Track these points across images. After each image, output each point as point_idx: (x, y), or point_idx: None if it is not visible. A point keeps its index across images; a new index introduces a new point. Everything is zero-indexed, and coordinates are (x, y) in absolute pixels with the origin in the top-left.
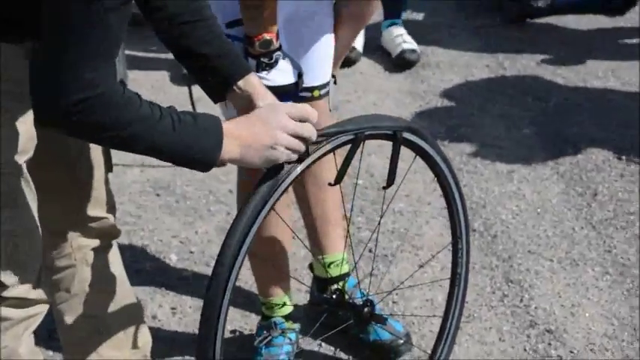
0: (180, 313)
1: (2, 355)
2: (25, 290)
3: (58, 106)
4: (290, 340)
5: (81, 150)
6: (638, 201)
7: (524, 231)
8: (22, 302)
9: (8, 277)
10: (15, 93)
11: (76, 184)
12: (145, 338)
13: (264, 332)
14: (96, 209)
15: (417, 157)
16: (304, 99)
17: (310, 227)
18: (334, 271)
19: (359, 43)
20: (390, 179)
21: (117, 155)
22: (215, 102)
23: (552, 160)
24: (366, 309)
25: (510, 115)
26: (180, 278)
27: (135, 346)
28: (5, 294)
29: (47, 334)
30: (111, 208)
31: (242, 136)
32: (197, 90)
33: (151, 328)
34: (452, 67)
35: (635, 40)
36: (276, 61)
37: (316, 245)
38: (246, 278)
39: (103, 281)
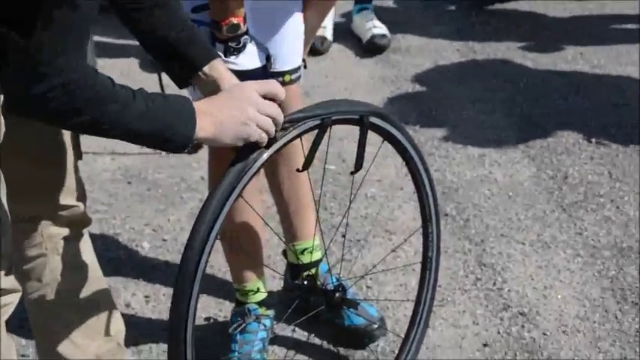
0: (153, 301)
1: None
2: None
3: (32, 93)
4: (264, 326)
5: (49, 137)
6: (608, 183)
7: (496, 215)
8: None
9: None
10: None
11: (44, 172)
12: (118, 326)
13: (239, 319)
14: (66, 198)
15: (385, 141)
16: None
17: (283, 214)
18: (307, 258)
19: (329, 33)
20: (358, 164)
21: (87, 143)
22: (180, 88)
23: (523, 143)
24: (337, 294)
25: (481, 99)
26: (153, 266)
27: (108, 334)
28: None
29: (19, 324)
30: (81, 196)
31: (214, 113)
32: (166, 76)
33: (124, 316)
34: (422, 52)
35: (603, 26)
36: (244, 46)
37: (289, 232)
38: (219, 265)
39: (74, 270)
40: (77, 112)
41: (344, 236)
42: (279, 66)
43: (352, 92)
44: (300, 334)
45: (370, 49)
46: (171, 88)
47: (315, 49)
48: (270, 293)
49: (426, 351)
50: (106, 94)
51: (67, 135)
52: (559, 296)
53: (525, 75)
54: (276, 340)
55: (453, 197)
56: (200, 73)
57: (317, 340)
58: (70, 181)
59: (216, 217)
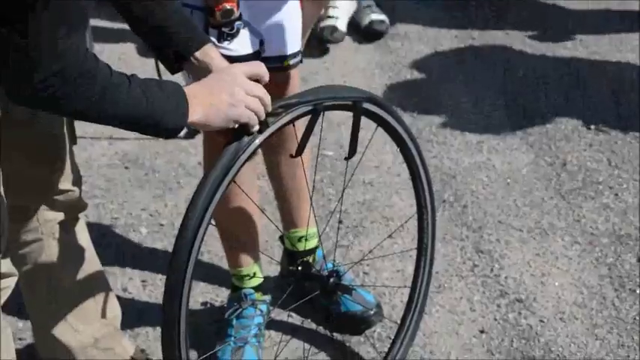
0: (150, 285)
1: None
2: None
3: (33, 81)
4: (261, 311)
5: (44, 123)
6: (607, 170)
7: (494, 201)
8: None
9: None
10: None
11: (40, 157)
12: (115, 311)
13: (235, 304)
14: (62, 182)
15: (379, 127)
16: (274, 69)
17: (281, 201)
18: (303, 245)
19: (341, 23)
20: (352, 150)
21: (84, 128)
22: (172, 73)
23: (521, 130)
24: (331, 279)
25: (480, 86)
26: (150, 251)
27: (104, 318)
28: None
29: (16, 308)
30: (77, 180)
31: (203, 97)
32: None
33: (121, 301)
34: (421, 38)
35: (603, 13)
36: (238, 31)
37: (287, 219)
38: (216, 250)
39: (70, 255)
40: (75, 100)
41: (340, 222)
42: (277, 50)
43: (350, 79)
44: (297, 320)
45: (368, 34)
46: (168, 74)
47: (324, 39)
48: (266, 278)
49: (422, 337)
50: (104, 80)
51: (61, 119)
52: (556, 283)
53: (524, 62)
54: (272, 325)
55: (451, 184)
56: (192, 58)
57: (313, 326)
58: (66, 165)
59: (209, 202)
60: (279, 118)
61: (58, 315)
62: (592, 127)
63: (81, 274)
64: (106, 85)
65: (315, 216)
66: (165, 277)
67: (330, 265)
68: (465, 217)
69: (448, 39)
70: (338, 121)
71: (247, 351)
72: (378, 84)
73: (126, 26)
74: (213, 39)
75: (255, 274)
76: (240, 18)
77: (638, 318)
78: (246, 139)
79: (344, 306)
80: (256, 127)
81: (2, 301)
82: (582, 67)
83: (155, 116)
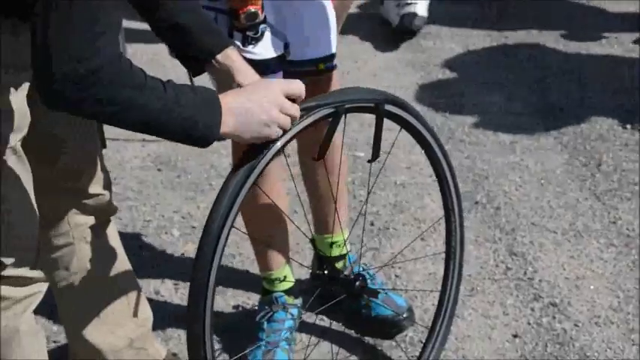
0: (182, 288)
1: (2, 334)
2: (23, 269)
3: (62, 80)
4: (292, 315)
5: (44, 122)
6: None
7: (527, 202)
8: (21, 281)
9: (6, 257)
10: (7, 67)
11: (40, 157)
12: (146, 313)
13: (266, 307)
14: (92, 186)
15: (402, 129)
16: (307, 73)
17: (315, 206)
18: (335, 251)
19: (420, 9)
20: (375, 153)
21: (117, 130)
22: (194, 76)
23: (555, 129)
24: (357, 283)
25: (512, 85)
26: (182, 254)
27: (136, 320)
28: (4, 273)
29: (50, 310)
30: (107, 184)
31: (239, 110)
32: None
33: (153, 304)
34: (453, 37)
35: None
36: (262, 34)
37: (318, 223)
38: (248, 253)
39: (101, 258)
40: (106, 102)
41: (373, 224)
42: (309, 53)
43: (381, 78)
44: (328, 324)
45: (401, 29)
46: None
47: (406, 28)
48: (298, 281)
49: (454, 341)
50: (139, 82)
51: (92, 123)
52: (591, 287)
53: (558, 60)
54: (302, 327)
55: (484, 185)
56: (213, 61)
57: (343, 329)
58: (96, 169)
59: (231, 205)
60: (300, 120)
61: (90, 318)
62: (628, 126)
63: (112, 277)
64: (141, 87)
65: (340, 222)
66: None
67: (359, 269)
68: (497, 219)
69: (480, 38)
70: (370, 122)
71: (278, 353)
72: (410, 83)
73: None
74: (237, 43)
75: (285, 277)
76: (264, 21)
77: None
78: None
79: (375, 310)
80: None
81: (34, 306)
82: (618, 65)
83: (186, 124)
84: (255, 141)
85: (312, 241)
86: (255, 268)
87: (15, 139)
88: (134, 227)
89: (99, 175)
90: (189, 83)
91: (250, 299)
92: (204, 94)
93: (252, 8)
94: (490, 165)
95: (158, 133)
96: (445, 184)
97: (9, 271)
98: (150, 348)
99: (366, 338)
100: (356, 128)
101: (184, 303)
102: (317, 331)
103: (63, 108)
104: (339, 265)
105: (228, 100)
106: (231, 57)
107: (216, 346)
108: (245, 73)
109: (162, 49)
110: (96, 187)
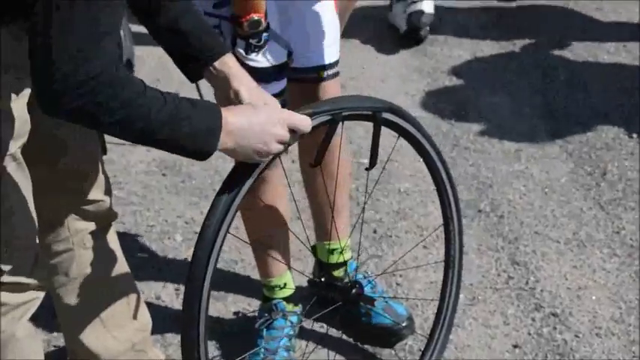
0: (183, 293)
1: (0, 340)
2: (21, 276)
3: (69, 80)
4: (291, 323)
5: (73, 133)
6: None
7: (531, 211)
8: (19, 287)
9: (4, 263)
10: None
11: (41, 157)
12: (145, 319)
13: (265, 314)
14: (92, 192)
15: (400, 137)
16: (308, 80)
17: (316, 213)
18: (336, 258)
19: (427, 6)
20: (373, 161)
21: None
22: (192, 81)
23: (561, 138)
24: (353, 290)
25: (519, 93)
26: (184, 259)
27: (135, 325)
28: (2, 279)
29: (51, 314)
30: (108, 190)
31: (238, 134)
32: None
33: (154, 309)
34: (460, 43)
35: None
36: (265, 42)
37: (318, 230)
38: (249, 259)
39: (101, 264)
40: (105, 108)
41: (375, 232)
42: (312, 60)
43: (388, 84)
44: (327, 331)
45: (409, 29)
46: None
47: (414, 26)
48: (298, 289)
49: (454, 350)
50: (136, 91)
51: (91, 130)
52: (593, 297)
53: (565, 68)
54: (302, 334)
55: (488, 193)
56: (210, 67)
57: (344, 337)
58: (96, 175)
59: (226, 212)
60: None
61: (88, 325)
62: (634, 135)
63: (112, 281)
64: (139, 94)
65: (337, 230)
66: None
67: (359, 277)
68: (500, 228)
69: (488, 45)
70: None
71: None
72: (416, 90)
73: None
74: (240, 50)
75: (285, 284)
76: (267, 29)
77: None
78: None
79: (375, 318)
80: None
81: (32, 312)
82: (625, 74)
83: (184, 138)
84: (248, 161)
85: (313, 248)
86: (256, 275)
87: (15, 146)
88: (137, 232)
89: (100, 180)
90: (196, 88)
91: (251, 305)
92: (206, 109)
93: (255, 16)
94: (495, 173)
95: (155, 144)
96: (444, 192)
97: (6, 278)
98: (149, 352)
99: (366, 346)
100: (362, 135)
101: None
102: (316, 338)
103: (62, 113)
104: (339, 272)
105: (231, 122)
106: (227, 63)
107: (216, 351)
108: (241, 80)
109: None
110: (96, 192)
